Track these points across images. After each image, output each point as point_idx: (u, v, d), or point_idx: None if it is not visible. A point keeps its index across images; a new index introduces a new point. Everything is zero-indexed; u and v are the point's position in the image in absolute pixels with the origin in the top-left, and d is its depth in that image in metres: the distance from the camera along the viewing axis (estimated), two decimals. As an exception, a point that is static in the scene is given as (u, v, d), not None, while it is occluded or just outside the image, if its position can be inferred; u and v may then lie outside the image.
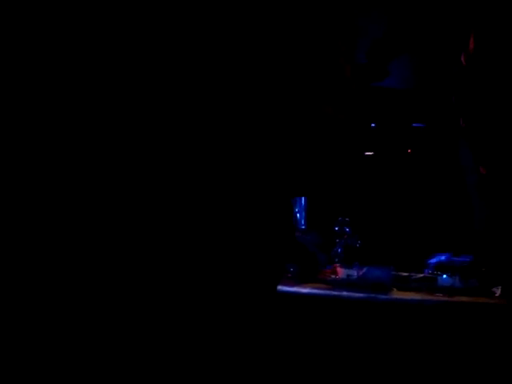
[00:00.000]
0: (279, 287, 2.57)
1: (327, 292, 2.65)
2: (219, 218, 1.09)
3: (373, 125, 3.43)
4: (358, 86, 1.28)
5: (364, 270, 2.97)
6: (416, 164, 3.74)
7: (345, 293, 2.65)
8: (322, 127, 1.17)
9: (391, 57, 3.09)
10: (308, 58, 1.14)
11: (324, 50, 1.17)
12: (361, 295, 2.63)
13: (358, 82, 1.27)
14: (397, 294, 2.73)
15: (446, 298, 2.71)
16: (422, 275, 2.99)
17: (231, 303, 1.13)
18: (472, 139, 2.68)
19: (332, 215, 3.83)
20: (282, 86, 1.12)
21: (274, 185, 1.16)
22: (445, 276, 2.91)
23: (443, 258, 3.35)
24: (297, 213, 4.13)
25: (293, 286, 2.76)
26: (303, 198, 3.88)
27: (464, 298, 2.74)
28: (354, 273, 2.94)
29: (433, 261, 3.35)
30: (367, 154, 3.58)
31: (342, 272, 2.95)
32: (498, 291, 2.86)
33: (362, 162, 3.42)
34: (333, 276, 2.96)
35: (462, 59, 2.60)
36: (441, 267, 3.19)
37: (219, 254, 1.10)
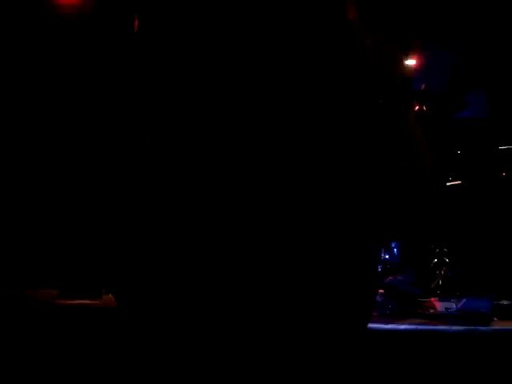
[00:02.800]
0: (375, 325, 2.56)
1: (424, 327, 2.63)
2: (308, 258, 1.15)
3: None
4: (438, 119, 1.30)
5: (463, 301, 2.93)
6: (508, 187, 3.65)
7: (442, 327, 2.62)
8: (402, 179, 1.20)
9: (468, 87, 3.10)
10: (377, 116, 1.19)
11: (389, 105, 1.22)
12: (459, 328, 2.59)
13: (438, 116, 1.30)
14: (498, 325, 2.66)
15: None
16: (524, 302, 2.91)
17: (320, 345, 1.18)
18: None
19: (429, 247, 3.79)
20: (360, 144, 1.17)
21: (363, 230, 1.20)
22: (548, 302, 2.82)
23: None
24: (393, 248, 4.12)
25: (390, 323, 2.75)
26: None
27: None
28: (453, 305, 2.90)
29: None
30: (455, 183, 3.55)
31: (439, 305, 2.91)
32: None
33: (450, 193, 3.40)
34: (431, 310, 2.93)
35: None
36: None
37: (307, 294, 1.16)
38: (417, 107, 3.43)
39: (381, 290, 3.08)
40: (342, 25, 1.19)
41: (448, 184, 3.40)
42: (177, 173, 1.13)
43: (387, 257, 3.88)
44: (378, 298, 3.03)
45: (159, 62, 1.15)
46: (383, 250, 3.82)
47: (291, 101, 1.16)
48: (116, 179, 1.16)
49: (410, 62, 3.68)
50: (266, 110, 1.15)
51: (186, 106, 1.14)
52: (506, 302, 2.95)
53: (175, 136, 1.14)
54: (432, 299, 3.00)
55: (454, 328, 2.61)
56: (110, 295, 2.93)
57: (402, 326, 2.58)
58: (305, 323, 1.17)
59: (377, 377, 2.39)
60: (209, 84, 1.15)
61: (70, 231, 3.34)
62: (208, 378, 1.14)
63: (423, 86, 3.77)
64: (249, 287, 1.13)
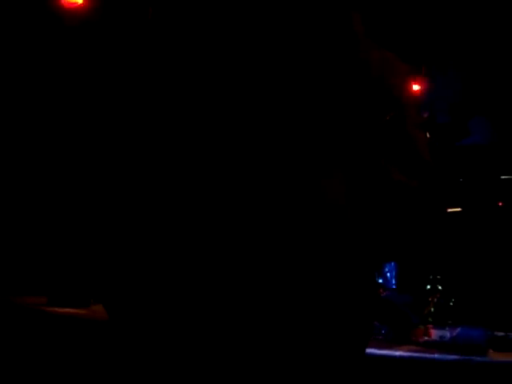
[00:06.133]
0: (370, 350, 2.53)
1: (420, 355, 2.59)
2: (308, 280, 1.12)
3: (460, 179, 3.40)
4: (440, 146, 1.29)
5: (457, 330, 2.89)
6: (507, 216, 3.64)
7: (437, 355, 2.58)
8: (398, 195, 1.18)
9: (470, 116, 3.11)
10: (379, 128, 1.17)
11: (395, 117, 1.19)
12: (454, 357, 2.56)
13: (440, 143, 1.28)
14: (493, 356, 2.63)
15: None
16: (519, 335, 2.87)
17: (320, 366, 1.15)
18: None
19: (423, 273, 3.76)
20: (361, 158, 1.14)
21: (359, 250, 1.17)
22: (545, 335, 2.79)
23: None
24: (387, 272, 4.08)
25: (384, 348, 2.71)
26: (392, 257, 3.83)
27: None
28: (447, 334, 2.86)
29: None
30: (455, 210, 3.53)
31: (434, 333, 2.88)
32: None
33: (449, 219, 3.38)
34: (425, 337, 2.89)
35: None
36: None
37: (306, 316, 1.12)
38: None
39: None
40: (348, 36, 1.17)
41: (448, 211, 3.38)
42: (171, 177, 1.10)
43: (380, 281, 3.84)
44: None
45: (157, 62, 1.13)
46: (377, 274, 3.79)
47: (293, 111, 1.13)
48: (105, 187, 1.13)
49: (415, 88, 3.69)
50: (270, 120, 1.13)
51: (184, 106, 1.12)
52: (500, 334, 2.91)
53: (172, 135, 1.12)
54: (427, 326, 2.96)
55: (450, 357, 2.57)
56: (98, 305, 2.87)
57: (397, 353, 2.54)
58: (301, 346, 1.13)
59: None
60: (207, 84, 1.12)
61: (59, 237, 3.29)
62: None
63: (426, 115, 3.78)
64: (243, 313, 1.10)
